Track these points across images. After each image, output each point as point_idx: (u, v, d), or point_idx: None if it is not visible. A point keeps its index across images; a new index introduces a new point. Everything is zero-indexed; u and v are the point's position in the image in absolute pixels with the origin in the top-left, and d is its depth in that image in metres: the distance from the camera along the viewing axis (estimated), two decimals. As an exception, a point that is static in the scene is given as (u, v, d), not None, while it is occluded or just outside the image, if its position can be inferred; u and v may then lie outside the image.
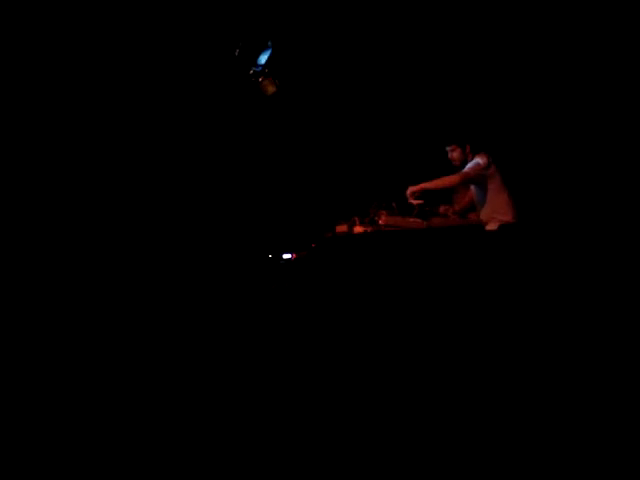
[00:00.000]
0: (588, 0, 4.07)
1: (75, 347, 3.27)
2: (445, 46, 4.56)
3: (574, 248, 3.71)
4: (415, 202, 3.58)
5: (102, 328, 3.46)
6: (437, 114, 4.61)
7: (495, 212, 3.73)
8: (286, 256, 3.99)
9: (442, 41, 4.55)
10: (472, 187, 3.94)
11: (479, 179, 3.76)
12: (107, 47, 4.06)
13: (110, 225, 3.96)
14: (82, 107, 3.99)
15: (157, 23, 4.19)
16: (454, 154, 3.95)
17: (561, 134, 4.33)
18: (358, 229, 3.49)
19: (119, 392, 2.80)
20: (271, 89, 4.45)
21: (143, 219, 4.06)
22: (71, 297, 3.66)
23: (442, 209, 4.00)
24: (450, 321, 3.11)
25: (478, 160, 3.75)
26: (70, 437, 2.41)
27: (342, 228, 3.60)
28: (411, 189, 3.59)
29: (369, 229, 3.45)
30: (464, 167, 3.83)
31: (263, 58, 4.44)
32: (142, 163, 4.12)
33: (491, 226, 3.70)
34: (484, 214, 3.80)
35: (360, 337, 3.14)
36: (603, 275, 3.54)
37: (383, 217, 3.44)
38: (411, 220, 3.45)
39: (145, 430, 2.47)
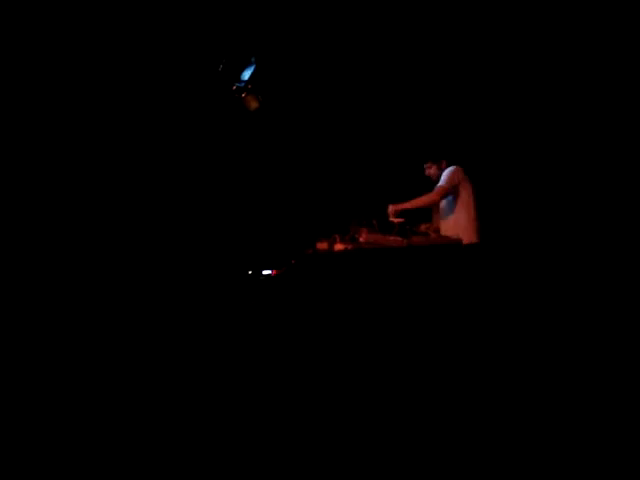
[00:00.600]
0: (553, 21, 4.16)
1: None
2: (421, 66, 4.62)
3: (551, 267, 3.73)
4: (396, 220, 3.59)
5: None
6: (414, 132, 4.64)
7: (459, 228, 3.71)
8: (266, 272, 3.96)
9: (418, 62, 4.61)
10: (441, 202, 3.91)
11: (454, 190, 3.76)
12: (90, 59, 4.04)
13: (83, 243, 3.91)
14: (56, 125, 3.96)
15: (141, 37, 4.18)
16: (430, 171, 4.00)
17: (537, 150, 4.39)
18: (339, 246, 3.48)
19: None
20: (254, 105, 4.45)
21: (121, 234, 4.01)
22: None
23: (423, 227, 4.01)
24: (429, 338, 3.10)
25: (452, 169, 3.77)
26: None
27: (323, 245, 3.59)
28: (392, 208, 3.60)
29: (350, 246, 3.45)
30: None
31: (246, 74, 4.44)
32: (121, 179, 4.08)
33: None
34: (447, 229, 3.77)
35: (340, 354, 3.12)
36: (581, 292, 3.57)
37: (364, 235, 3.44)
38: (391, 238, 3.45)
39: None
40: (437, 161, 3.97)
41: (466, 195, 3.77)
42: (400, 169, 4.61)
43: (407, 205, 3.63)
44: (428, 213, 4.14)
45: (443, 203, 3.88)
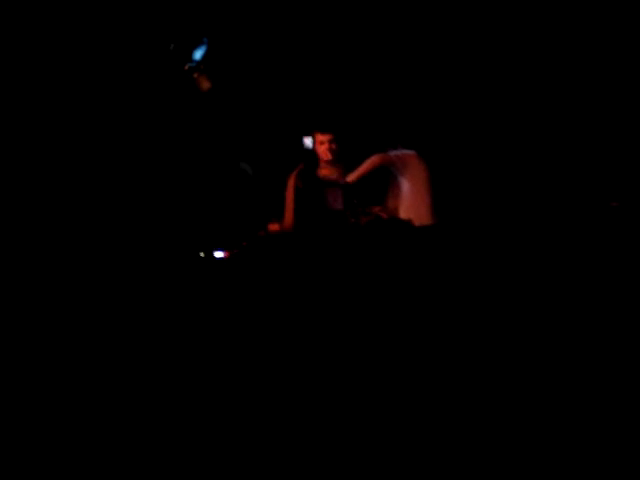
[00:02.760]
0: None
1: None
2: (376, 61, 4.66)
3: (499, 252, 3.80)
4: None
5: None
6: (369, 117, 4.66)
7: (410, 210, 3.80)
8: (218, 254, 3.95)
9: (375, 57, 4.64)
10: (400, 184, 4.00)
11: (399, 166, 3.88)
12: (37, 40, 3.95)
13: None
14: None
15: (90, 15, 4.10)
16: None
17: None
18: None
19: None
20: (206, 85, 4.41)
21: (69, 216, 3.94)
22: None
23: (375, 209, 4.06)
24: (378, 321, 3.14)
25: (401, 150, 3.93)
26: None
27: (274, 227, 3.62)
28: (349, 179, 3.73)
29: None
30: None
31: (198, 54, 4.39)
32: (68, 161, 4.01)
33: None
34: (403, 211, 3.87)
35: (291, 340, 3.14)
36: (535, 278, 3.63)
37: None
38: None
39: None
40: (394, 146, 4.06)
41: (418, 178, 3.85)
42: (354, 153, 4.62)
43: (356, 173, 3.80)
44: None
45: (403, 185, 3.94)
